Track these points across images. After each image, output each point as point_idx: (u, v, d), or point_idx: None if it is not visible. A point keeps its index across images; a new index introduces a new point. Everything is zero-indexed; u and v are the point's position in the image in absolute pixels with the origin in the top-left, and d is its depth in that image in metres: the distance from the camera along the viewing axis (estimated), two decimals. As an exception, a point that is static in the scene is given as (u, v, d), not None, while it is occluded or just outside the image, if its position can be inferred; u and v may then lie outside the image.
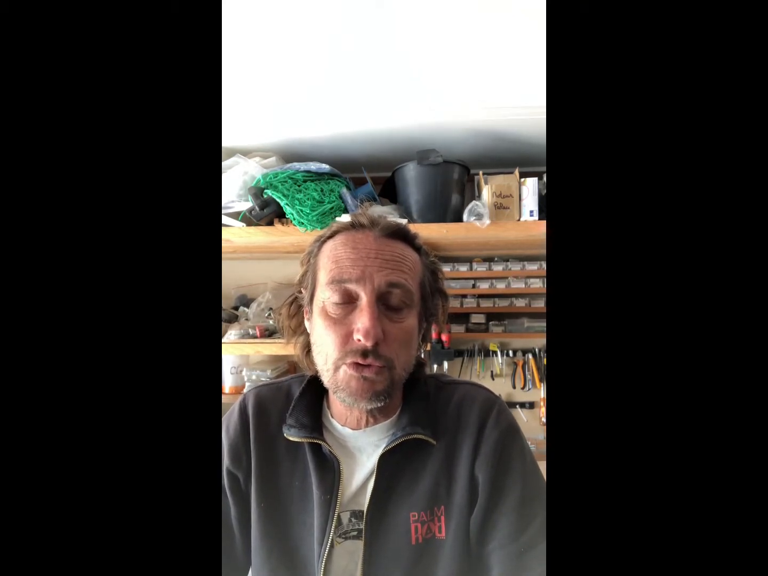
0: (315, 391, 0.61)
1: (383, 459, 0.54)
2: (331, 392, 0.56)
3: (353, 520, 0.54)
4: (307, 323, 0.60)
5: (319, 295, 0.54)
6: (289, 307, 0.63)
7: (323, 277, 0.54)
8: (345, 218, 1.20)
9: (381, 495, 0.54)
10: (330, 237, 0.57)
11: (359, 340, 0.49)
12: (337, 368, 0.52)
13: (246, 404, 0.62)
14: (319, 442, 0.55)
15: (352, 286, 0.51)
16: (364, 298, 0.51)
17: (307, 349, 0.60)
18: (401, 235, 0.56)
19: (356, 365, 0.51)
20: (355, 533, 0.54)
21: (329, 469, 0.55)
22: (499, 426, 0.56)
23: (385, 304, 0.52)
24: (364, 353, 0.50)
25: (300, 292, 0.60)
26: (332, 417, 0.59)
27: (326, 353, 0.52)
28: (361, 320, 0.49)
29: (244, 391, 1.47)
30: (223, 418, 0.63)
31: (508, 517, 0.53)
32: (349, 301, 0.52)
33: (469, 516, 0.54)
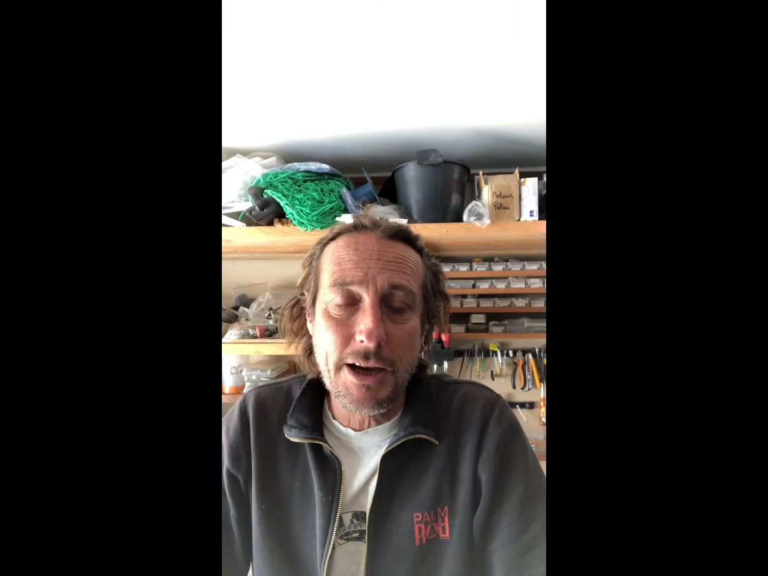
0: (316, 392, 0.61)
1: (385, 459, 0.54)
2: (332, 395, 0.56)
3: (355, 521, 0.54)
4: (309, 325, 0.60)
5: (322, 297, 0.54)
6: (291, 310, 0.63)
7: (326, 279, 0.54)
8: (347, 219, 1.20)
9: (384, 496, 0.54)
10: (332, 239, 0.57)
11: (362, 342, 0.49)
12: (338, 368, 0.52)
13: (246, 405, 0.62)
14: (320, 442, 0.55)
15: (354, 288, 0.51)
16: (366, 300, 0.51)
17: (309, 351, 0.60)
18: (403, 236, 0.56)
19: (357, 373, 0.51)
20: (357, 535, 0.54)
21: (330, 469, 0.55)
22: (501, 425, 0.56)
23: (387, 306, 0.52)
24: (366, 355, 0.50)
25: (302, 294, 0.60)
26: (334, 418, 0.59)
27: (327, 352, 0.52)
28: (364, 322, 0.49)
29: (244, 391, 1.48)
30: (222, 419, 0.63)
31: (511, 517, 0.53)
32: (351, 303, 0.52)
33: (472, 516, 0.54)
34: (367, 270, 0.51)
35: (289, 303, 0.64)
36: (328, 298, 0.53)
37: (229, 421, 0.62)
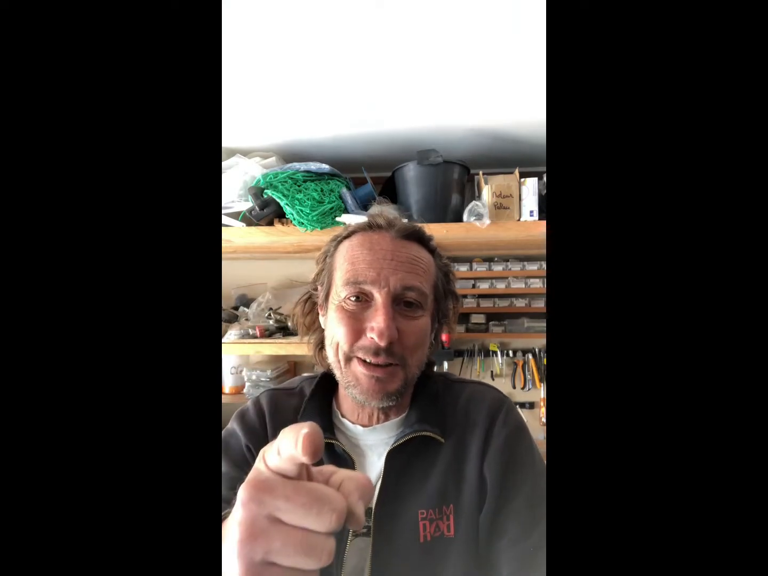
0: (325, 392, 0.62)
1: (391, 456, 0.54)
2: (342, 388, 0.57)
3: (365, 520, 0.54)
4: (321, 319, 0.61)
5: (335, 294, 0.55)
6: (304, 305, 0.64)
7: (339, 277, 0.55)
8: (347, 219, 1.20)
9: (389, 492, 0.54)
10: (346, 237, 0.58)
11: (372, 339, 0.50)
12: (348, 359, 0.53)
13: (261, 403, 0.63)
14: (333, 441, 0.56)
15: (367, 288, 0.52)
16: (379, 300, 0.52)
17: (321, 345, 0.61)
18: (417, 236, 0.57)
19: (367, 364, 0.51)
20: (365, 530, 0.54)
21: (343, 467, 0.55)
22: (507, 425, 0.57)
23: (399, 304, 0.53)
24: (376, 352, 0.51)
25: (315, 289, 0.61)
26: (343, 416, 0.60)
27: (338, 343, 0.53)
28: (376, 320, 0.50)
29: (244, 391, 1.48)
30: (234, 415, 0.63)
31: (518, 517, 0.53)
32: (364, 300, 0.53)
33: (478, 515, 0.54)
34: (380, 270, 0.52)
35: (301, 297, 0.65)
36: (341, 295, 0.53)
37: (244, 415, 0.62)
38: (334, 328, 0.53)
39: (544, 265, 1.38)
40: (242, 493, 0.26)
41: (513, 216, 1.20)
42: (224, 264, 1.54)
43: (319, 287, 0.60)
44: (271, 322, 1.44)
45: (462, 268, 1.43)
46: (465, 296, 1.46)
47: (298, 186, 1.23)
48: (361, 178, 1.30)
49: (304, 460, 0.25)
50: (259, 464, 0.28)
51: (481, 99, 1.01)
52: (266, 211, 1.22)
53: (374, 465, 0.56)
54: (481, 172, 1.28)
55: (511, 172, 1.23)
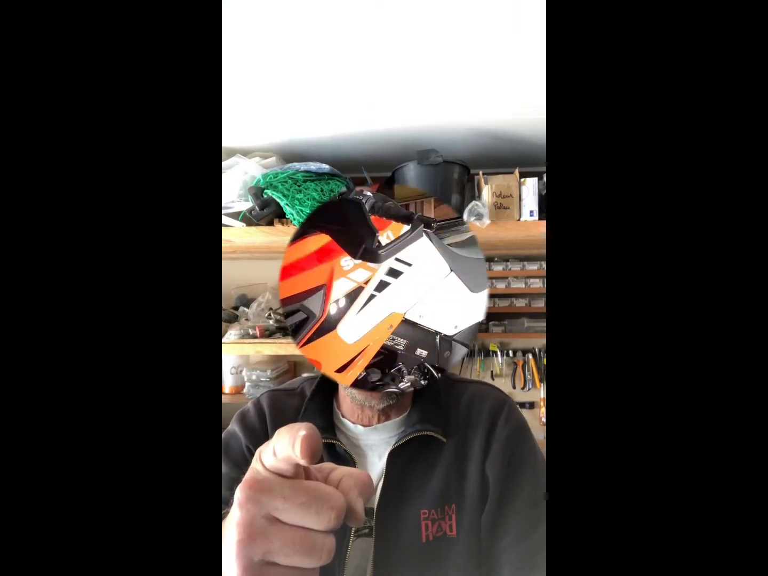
0: (325, 393, 0.62)
1: (393, 455, 0.55)
2: (341, 389, 0.57)
3: (364, 517, 0.54)
4: None
5: None
6: None
7: None
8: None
9: (391, 492, 0.54)
10: None
11: None
12: None
13: (262, 404, 0.63)
14: (333, 441, 0.56)
15: None
16: None
17: None
18: None
19: None
20: (366, 531, 0.54)
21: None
22: (509, 425, 0.57)
23: None
24: None
25: None
26: (343, 417, 0.60)
27: None
28: None
29: (244, 391, 1.48)
30: (235, 416, 0.64)
31: (519, 516, 0.53)
32: None
33: (480, 515, 0.54)
34: None
35: None
36: None
37: (244, 417, 0.62)
38: None
39: (544, 265, 1.38)
40: (239, 493, 0.26)
41: (513, 216, 1.20)
42: (224, 264, 1.54)
43: None
44: (271, 322, 1.44)
45: (462, 268, 1.42)
46: (465, 296, 1.46)
47: (298, 186, 1.23)
48: (361, 178, 1.30)
49: (303, 462, 0.24)
50: (255, 464, 0.28)
51: (480, 98, 1.01)
52: (266, 211, 1.21)
53: (375, 465, 0.56)
54: (481, 172, 1.28)
55: (511, 172, 1.23)
